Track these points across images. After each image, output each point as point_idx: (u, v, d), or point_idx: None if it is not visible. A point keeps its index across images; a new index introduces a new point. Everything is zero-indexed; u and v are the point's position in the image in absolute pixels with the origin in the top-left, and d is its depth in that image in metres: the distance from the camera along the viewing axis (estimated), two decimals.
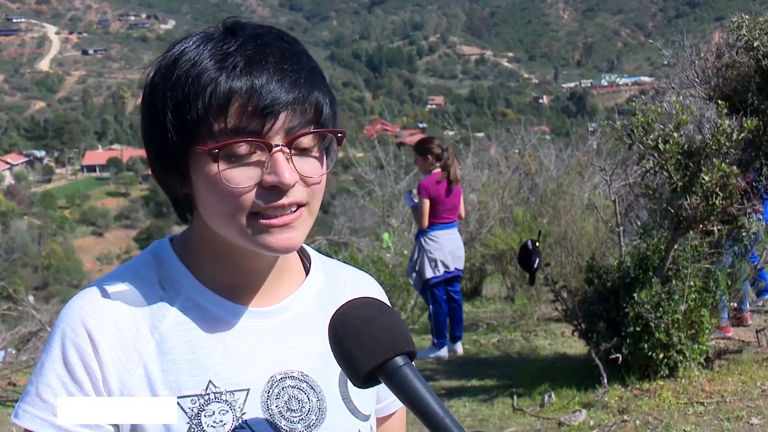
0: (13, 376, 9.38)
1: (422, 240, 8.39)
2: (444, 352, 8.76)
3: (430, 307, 8.71)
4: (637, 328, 6.66)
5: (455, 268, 8.61)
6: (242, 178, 1.27)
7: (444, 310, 8.71)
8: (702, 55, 7.47)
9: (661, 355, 6.74)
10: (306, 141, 1.30)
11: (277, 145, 1.26)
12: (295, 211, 1.30)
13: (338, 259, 1.63)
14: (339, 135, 1.35)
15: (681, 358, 6.81)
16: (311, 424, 1.38)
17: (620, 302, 6.77)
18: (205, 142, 1.27)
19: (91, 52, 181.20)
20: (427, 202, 8.24)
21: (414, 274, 8.60)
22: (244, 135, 1.26)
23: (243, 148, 1.26)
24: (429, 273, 8.43)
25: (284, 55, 1.30)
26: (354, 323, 1.22)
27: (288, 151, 1.27)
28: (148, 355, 1.33)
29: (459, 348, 8.89)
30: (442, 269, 8.44)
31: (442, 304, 8.67)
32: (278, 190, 1.27)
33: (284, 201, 1.28)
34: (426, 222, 8.28)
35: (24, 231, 66.01)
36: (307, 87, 1.29)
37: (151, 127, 1.33)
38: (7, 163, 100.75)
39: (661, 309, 6.61)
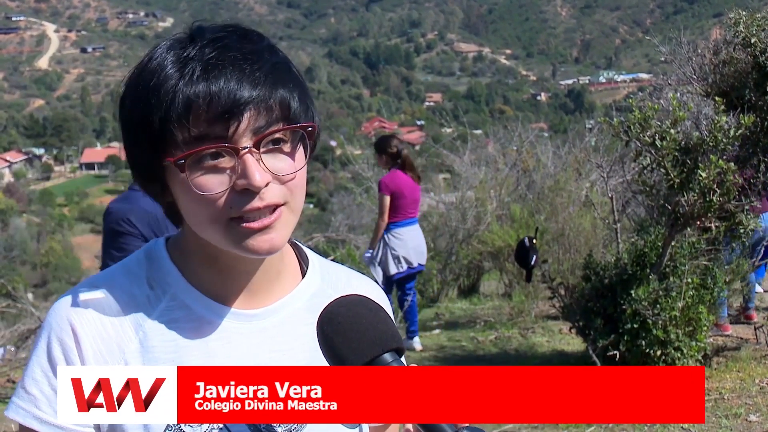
0: (12, 373, 9.40)
1: (386, 236, 8.49)
2: (417, 344, 8.94)
3: (398, 300, 8.92)
4: (635, 325, 6.66)
5: (418, 264, 8.74)
6: (213, 184, 1.26)
7: (414, 301, 8.90)
8: (699, 51, 7.46)
9: (658, 352, 6.73)
10: (276, 138, 1.29)
11: (244, 147, 1.25)
12: (273, 212, 1.30)
13: (336, 257, 1.62)
14: (309, 129, 1.33)
15: (679, 355, 6.80)
16: (292, 428, 1.38)
17: (617, 299, 6.77)
18: (172, 152, 1.26)
19: (89, 50, 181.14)
20: (387, 198, 8.35)
21: (378, 269, 8.70)
22: (209, 141, 1.25)
23: (211, 154, 1.26)
24: (393, 269, 8.57)
25: (244, 55, 1.28)
26: (341, 321, 1.22)
27: (257, 151, 1.26)
28: (130, 353, 1.34)
29: (416, 344, 9.01)
30: (405, 265, 8.58)
31: (412, 297, 8.86)
32: (251, 192, 1.26)
33: (259, 204, 1.27)
34: (386, 217, 8.39)
35: (23, 229, 65.97)
36: (269, 84, 1.28)
37: (126, 139, 1.34)
38: (6, 161, 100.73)
39: (658, 306, 6.61)
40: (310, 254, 1.54)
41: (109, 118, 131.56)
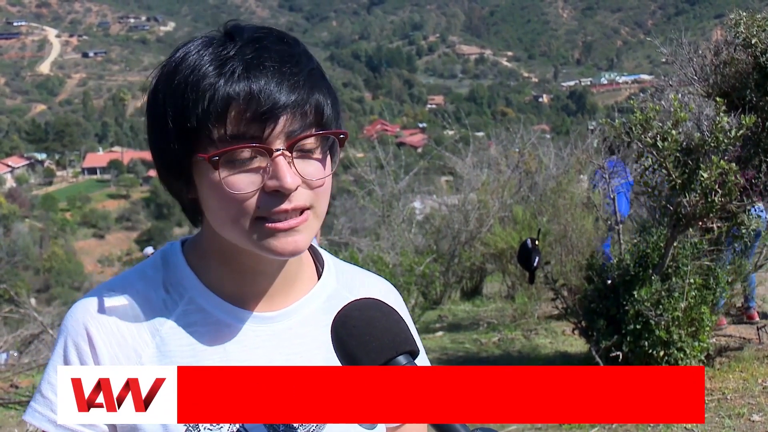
0: (15, 378, 9.39)
1: None
2: None
3: None
4: (638, 326, 6.67)
5: None
6: (244, 183, 1.26)
7: None
8: (700, 52, 7.47)
9: (661, 353, 6.73)
10: (308, 143, 1.29)
11: (278, 150, 1.25)
12: (300, 215, 1.30)
13: (341, 260, 1.62)
14: (341, 136, 1.33)
15: (681, 355, 6.80)
16: (311, 429, 1.38)
17: (620, 300, 6.77)
18: (205, 149, 1.26)
19: (91, 54, 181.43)
20: None
21: None
22: (244, 141, 1.25)
23: (244, 154, 1.26)
24: None
25: (283, 57, 1.29)
26: (355, 324, 1.22)
27: (289, 155, 1.26)
28: (147, 357, 1.34)
29: None
30: None
31: None
32: (281, 194, 1.26)
33: (287, 206, 1.27)
34: None
35: (25, 234, 65.96)
36: (307, 89, 1.28)
37: (154, 134, 1.34)
38: (9, 166, 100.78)
39: (661, 306, 6.61)
40: (326, 255, 1.54)
41: (111, 123, 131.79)
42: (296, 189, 1.27)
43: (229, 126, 1.24)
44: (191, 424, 1.31)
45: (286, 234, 1.29)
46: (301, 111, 1.27)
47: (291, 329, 1.42)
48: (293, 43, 1.34)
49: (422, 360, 1.49)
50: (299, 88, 1.27)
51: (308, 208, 1.30)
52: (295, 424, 1.36)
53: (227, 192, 1.26)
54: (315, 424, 1.38)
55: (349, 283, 1.53)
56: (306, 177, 1.28)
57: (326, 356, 1.37)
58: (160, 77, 1.33)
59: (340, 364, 1.23)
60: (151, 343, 1.34)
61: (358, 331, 1.21)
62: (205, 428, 1.31)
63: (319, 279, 1.49)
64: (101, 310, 1.35)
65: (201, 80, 1.26)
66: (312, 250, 1.52)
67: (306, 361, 1.40)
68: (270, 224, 1.28)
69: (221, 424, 1.32)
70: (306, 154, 1.29)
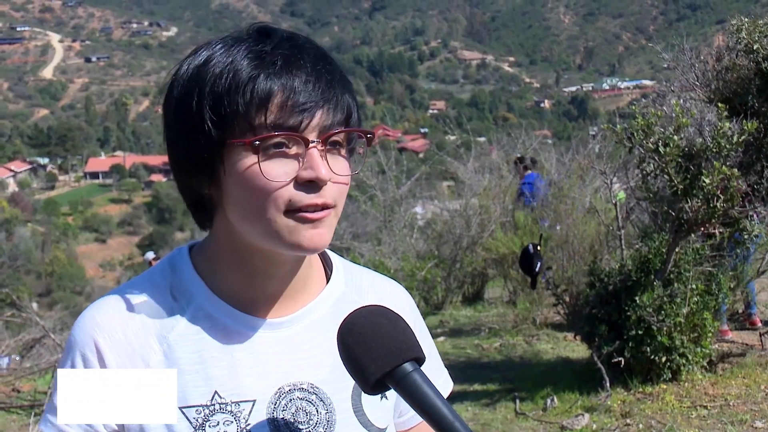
0: (16, 382, 9.39)
1: None
2: None
3: None
4: (639, 332, 6.66)
5: None
6: (279, 172, 1.27)
7: None
8: (702, 58, 7.47)
9: (663, 359, 6.73)
10: (337, 140, 1.32)
11: (313, 141, 1.28)
12: (326, 209, 1.31)
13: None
14: (369, 135, 1.37)
15: (684, 361, 6.80)
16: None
17: (622, 305, 6.77)
18: (243, 135, 1.28)
19: (94, 59, 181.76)
20: None
21: None
22: (283, 130, 1.27)
23: (280, 143, 1.28)
24: None
25: (317, 56, 1.33)
26: (361, 331, 1.22)
27: (323, 147, 1.29)
28: (154, 364, 1.34)
29: None
30: None
31: None
32: (314, 185, 1.28)
33: (318, 200, 1.29)
34: None
35: (27, 238, 65.96)
36: (340, 89, 1.33)
37: (179, 126, 1.33)
38: (11, 170, 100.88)
39: (663, 312, 6.60)
40: (334, 258, 1.54)
41: (113, 128, 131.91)
42: (327, 182, 1.29)
43: (270, 115, 1.27)
44: (198, 425, 1.31)
45: (313, 225, 1.29)
46: (335, 108, 1.31)
47: (299, 334, 1.41)
48: (318, 46, 1.38)
49: (433, 364, 1.50)
50: (334, 87, 1.32)
51: (332, 207, 1.32)
52: (300, 426, 1.36)
53: (261, 180, 1.27)
54: (323, 430, 1.38)
55: (358, 285, 1.52)
56: (335, 172, 1.31)
57: (333, 362, 1.36)
58: (185, 72, 1.34)
59: (347, 370, 1.23)
60: (158, 350, 1.34)
61: (364, 338, 1.21)
62: (210, 429, 1.32)
63: (327, 282, 1.49)
64: (109, 319, 1.35)
65: (240, 71, 1.29)
66: (321, 252, 1.50)
67: (313, 367, 1.40)
68: (298, 214, 1.29)
69: (229, 425, 1.32)
70: (334, 150, 1.32)
